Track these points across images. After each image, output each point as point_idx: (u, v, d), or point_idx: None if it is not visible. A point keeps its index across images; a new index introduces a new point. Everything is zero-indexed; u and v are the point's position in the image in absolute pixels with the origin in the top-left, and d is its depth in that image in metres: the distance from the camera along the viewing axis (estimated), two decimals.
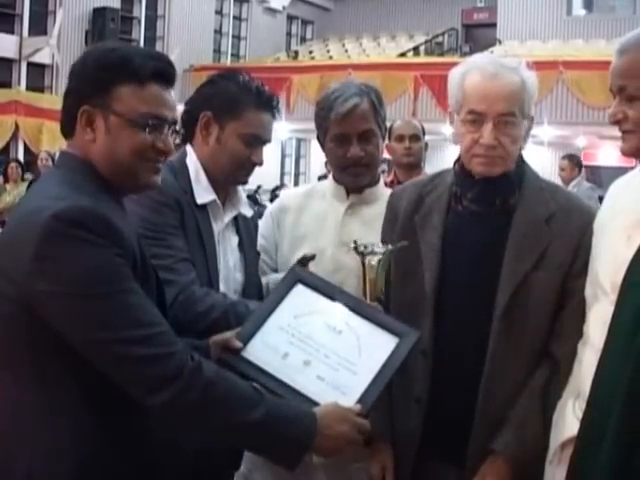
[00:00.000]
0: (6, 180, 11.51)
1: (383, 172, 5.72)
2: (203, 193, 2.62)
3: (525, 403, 2.36)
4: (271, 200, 12.35)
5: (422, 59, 22.24)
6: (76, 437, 1.87)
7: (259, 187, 18.71)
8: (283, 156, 26.19)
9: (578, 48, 21.27)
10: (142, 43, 22.93)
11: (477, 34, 26.35)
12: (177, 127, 2.09)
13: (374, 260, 2.39)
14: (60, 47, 19.84)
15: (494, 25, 25.28)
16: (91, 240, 1.81)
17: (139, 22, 22.89)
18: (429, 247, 2.48)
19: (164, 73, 2.00)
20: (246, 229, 2.78)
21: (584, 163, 11.18)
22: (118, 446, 1.92)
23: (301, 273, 2.43)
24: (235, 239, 2.74)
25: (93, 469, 1.88)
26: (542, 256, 2.37)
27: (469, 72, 2.42)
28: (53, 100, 19.73)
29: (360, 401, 2.16)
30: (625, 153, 2.20)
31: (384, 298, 2.45)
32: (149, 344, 1.86)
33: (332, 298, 2.35)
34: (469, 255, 2.44)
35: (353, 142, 2.78)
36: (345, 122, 2.77)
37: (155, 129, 1.97)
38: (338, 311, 2.33)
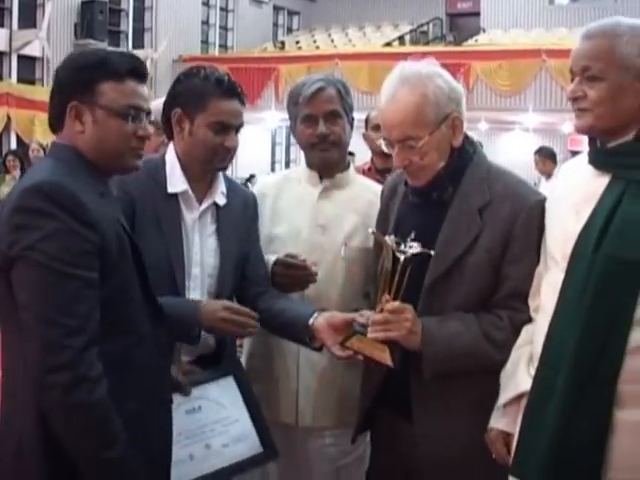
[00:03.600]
0: (7, 171, 11.57)
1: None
2: (176, 183, 2.80)
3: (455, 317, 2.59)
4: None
5: (407, 48, 22.36)
6: None
7: (252, 176, 18.82)
8: (274, 144, 26.32)
9: (561, 36, 21.42)
10: (130, 35, 23.01)
11: (461, 23, 26.48)
12: (152, 117, 2.37)
13: (402, 257, 2.48)
14: (50, 40, 19.93)
15: (478, 14, 25.45)
16: (54, 213, 2.04)
17: (127, 14, 22.93)
18: (387, 230, 2.71)
19: (138, 70, 2.28)
20: (227, 217, 2.90)
21: (570, 148, 11.22)
22: None
23: None
24: (212, 226, 2.88)
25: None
26: (474, 242, 2.55)
27: (382, 90, 2.63)
28: (45, 92, 19.77)
29: (263, 442, 2.68)
30: (579, 130, 2.39)
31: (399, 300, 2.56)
32: (63, 332, 2.02)
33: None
34: (410, 238, 2.64)
35: (320, 122, 3.01)
36: (312, 103, 3.01)
37: (135, 118, 2.24)
38: (178, 398, 2.58)
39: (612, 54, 2.26)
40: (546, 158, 10.39)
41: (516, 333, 2.54)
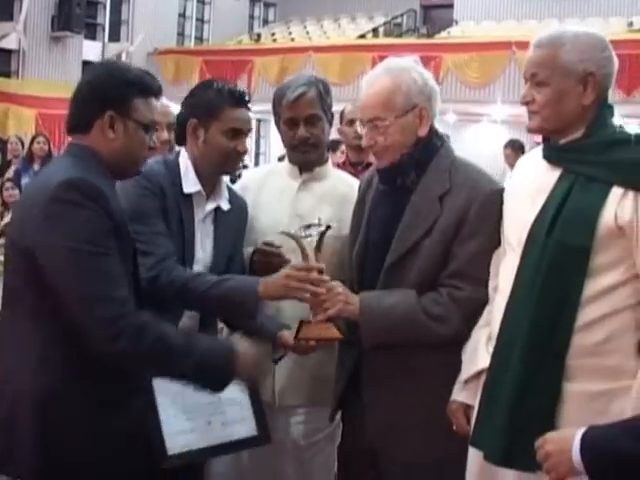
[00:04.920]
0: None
1: (342, 152, 6.04)
2: (190, 185, 3.03)
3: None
4: (232, 181, 12.64)
5: (380, 40, 22.36)
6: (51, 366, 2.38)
7: None
8: None
9: (531, 28, 21.47)
10: (107, 27, 22.87)
11: (435, 15, 26.37)
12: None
13: (313, 243, 2.84)
14: (27, 32, 19.78)
15: (451, 6, 25.42)
16: (85, 204, 2.33)
17: (104, 7, 22.82)
18: (364, 217, 3.00)
19: (160, 90, 2.62)
20: (223, 220, 3.14)
21: (536, 140, 11.35)
22: (86, 379, 2.41)
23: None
24: (211, 228, 3.11)
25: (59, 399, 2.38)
26: (432, 227, 2.79)
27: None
28: (19, 85, 19.70)
29: (258, 427, 2.89)
30: (530, 130, 2.65)
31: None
32: (109, 304, 2.34)
33: None
34: (379, 224, 2.93)
35: (300, 125, 3.23)
36: (293, 107, 3.22)
37: (152, 131, 2.61)
38: None
39: (556, 61, 2.51)
40: (519, 150, 10.60)
41: (456, 308, 2.75)
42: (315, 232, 2.84)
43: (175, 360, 2.46)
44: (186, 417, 2.77)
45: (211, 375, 2.55)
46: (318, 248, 2.83)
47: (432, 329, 2.76)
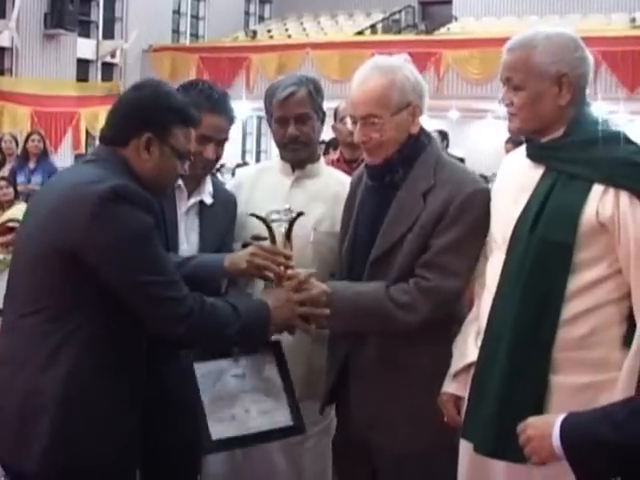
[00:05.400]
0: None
1: (336, 149, 6.07)
2: None
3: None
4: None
5: (378, 37, 22.40)
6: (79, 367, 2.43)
7: (222, 165, 18.84)
8: (244, 134, 26.28)
9: (532, 24, 21.45)
10: (101, 25, 22.89)
11: (433, 11, 26.50)
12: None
13: (281, 228, 2.92)
14: (19, 30, 19.83)
15: (450, 2, 25.47)
16: (134, 208, 2.41)
17: (97, 4, 22.78)
18: (354, 213, 3.04)
19: (198, 121, 2.68)
20: (209, 214, 3.19)
21: None
22: (103, 378, 2.46)
23: (189, 358, 2.87)
24: (196, 222, 3.17)
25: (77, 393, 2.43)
26: (415, 222, 2.83)
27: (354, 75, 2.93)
28: (13, 83, 19.77)
29: (293, 417, 2.89)
30: (510, 132, 2.74)
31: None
32: (171, 288, 2.46)
33: (214, 357, 2.87)
34: (367, 220, 2.97)
35: (290, 123, 3.26)
36: (283, 106, 3.26)
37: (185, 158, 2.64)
38: (229, 362, 2.88)
39: (529, 64, 2.56)
40: (519, 146, 10.45)
41: (423, 298, 2.79)
42: (284, 216, 2.94)
43: (230, 328, 2.58)
44: (227, 405, 2.82)
45: (253, 334, 2.69)
46: (288, 236, 2.91)
47: (398, 317, 2.80)
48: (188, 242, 3.13)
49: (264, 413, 2.87)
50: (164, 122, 2.55)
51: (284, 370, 2.95)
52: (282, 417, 2.89)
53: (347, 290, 2.86)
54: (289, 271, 2.84)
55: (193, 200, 3.15)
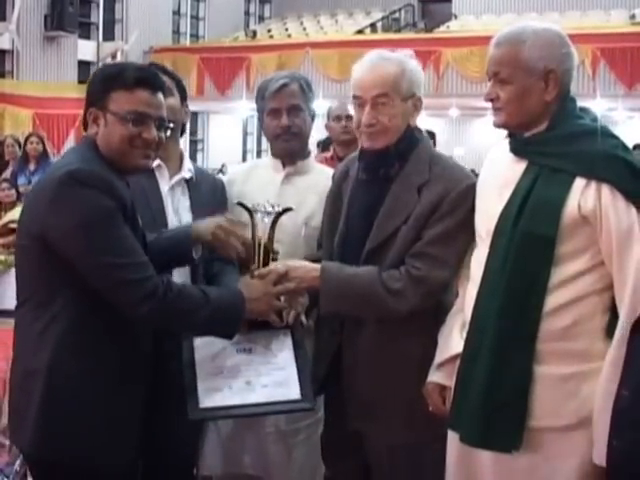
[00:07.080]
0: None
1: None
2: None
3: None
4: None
5: (379, 36, 22.38)
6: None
7: (223, 165, 18.87)
8: (245, 134, 26.32)
9: (531, 21, 21.43)
10: (101, 26, 22.92)
11: (433, 9, 26.46)
12: (166, 123, 2.69)
13: (267, 219, 2.94)
14: (20, 32, 19.86)
15: (450, 0, 25.47)
16: (93, 191, 2.44)
17: (98, 5, 22.83)
18: (343, 208, 3.05)
19: (148, 81, 2.62)
20: (197, 194, 3.27)
21: None
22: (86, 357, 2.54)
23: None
24: (186, 202, 3.25)
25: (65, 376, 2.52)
26: (409, 216, 2.87)
27: (356, 65, 2.95)
28: (15, 85, 19.77)
29: (302, 393, 2.89)
30: (495, 126, 2.72)
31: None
32: (134, 270, 2.50)
33: None
34: (359, 213, 3.00)
35: (283, 114, 3.35)
36: (276, 98, 3.35)
37: (140, 123, 2.58)
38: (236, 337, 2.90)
39: (517, 59, 2.59)
40: None
41: (413, 286, 2.82)
42: (271, 209, 2.93)
43: (197, 314, 2.62)
44: (226, 376, 2.85)
45: (224, 323, 2.72)
46: (272, 228, 2.93)
47: (388, 303, 2.82)
48: (179, 220, 3.17)
49: (268, 386, 2.88)
50: (100, 91, 2.59)
51: (299, 348, 2.97)
52: (289, 391, 2.90)
53: (339, 271, 2.88)
54: (271, 265, 2.89)
55: (176, 178, 3.23)
